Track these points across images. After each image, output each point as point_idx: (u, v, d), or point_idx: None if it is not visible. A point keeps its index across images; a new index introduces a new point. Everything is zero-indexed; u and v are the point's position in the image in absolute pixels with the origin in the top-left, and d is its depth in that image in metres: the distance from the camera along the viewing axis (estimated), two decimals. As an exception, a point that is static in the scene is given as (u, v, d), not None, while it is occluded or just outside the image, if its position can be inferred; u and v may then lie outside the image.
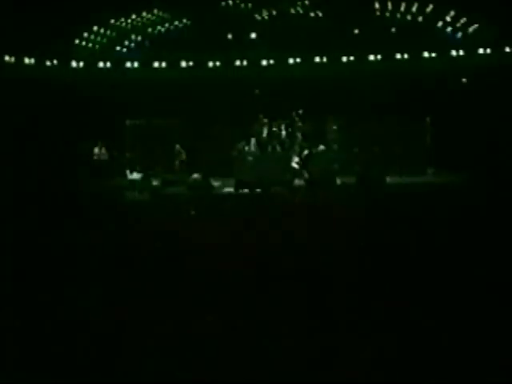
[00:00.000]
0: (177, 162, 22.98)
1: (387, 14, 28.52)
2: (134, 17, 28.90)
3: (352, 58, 25.57)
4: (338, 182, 20.62)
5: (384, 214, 12.97)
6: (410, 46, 25.58)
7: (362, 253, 8.77)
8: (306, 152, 21.73)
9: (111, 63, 26.43)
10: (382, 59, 25.46)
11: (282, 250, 9.15)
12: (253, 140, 22.50)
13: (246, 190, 20.13)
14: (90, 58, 26.44)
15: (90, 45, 27.30)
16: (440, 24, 27.47)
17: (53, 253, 8.91)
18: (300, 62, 25.80)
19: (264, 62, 25.94)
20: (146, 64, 26.43)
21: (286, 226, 11.25)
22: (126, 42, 28.09)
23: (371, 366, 5.35)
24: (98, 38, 27.62)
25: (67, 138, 23.60)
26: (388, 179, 20.24)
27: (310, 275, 7.70)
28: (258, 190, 20.05)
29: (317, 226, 11.18)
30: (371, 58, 25.43)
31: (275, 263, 8.30)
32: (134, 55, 27.07)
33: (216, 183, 20.79)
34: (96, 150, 23.43)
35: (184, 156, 22.77)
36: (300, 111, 23.50)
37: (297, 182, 20.95)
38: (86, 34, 27.33)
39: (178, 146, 22.84)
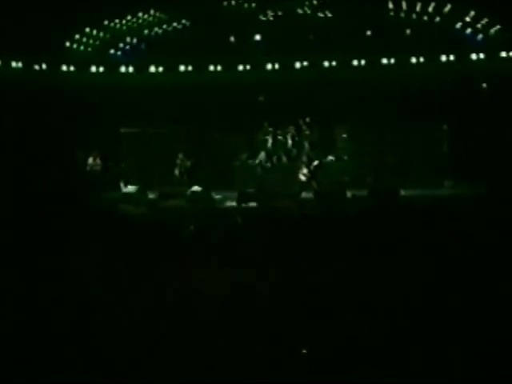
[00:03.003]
0: (178, 173, 22.97)
1: (402, 15, 28.69)
2: (129, 18, 29.11)
3: (363, 62, 25.61)
4: (349, 194, 20.68)
5: (398, 230, 13.01)
6: (426, 48, 25.64)
7: (376, 275, 8.82)
8: (313, 162, 21.80)
9: (104, 67, 26.44)
10: (395, 63, 25.53)
11: (289, 272, 9.22)
12: (257, 150, 22.62)
13: (250, 204, 20.16)
14: (82, 61, 26.44)
15: (82, 48, 27.44)
16: (459, 25, 27.60)
17: (32, 282, 8.94)
18: (307, 66, 25.83)
19: (269, 66, 25.97)
20: (141, 68, 26.44)
21: (293, 243, 11.30)
22: (121, 45, 28.22)
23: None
24: (91, 41, 27.78)
25: (56, 148, 23.61)
26: (402, 192, 20.28)
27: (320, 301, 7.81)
28: (262, 203, 20.07)
29: (326, 244, 11.23)
30: (384, 61, 25.48)
31: (283, 289, 8.39)
32: (129, 59, 27.13)
33: (217, 196, 20.83)
34: (89, 160, 23.47)
35: (189, 165, 22.77)
36: (307, 118, 23.71)
37: (304, 194, 21.03)
38: (77, 36, 27.47)
39: (181, 155, 22.90)
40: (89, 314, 7.26)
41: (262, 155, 22.70)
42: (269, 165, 22.69)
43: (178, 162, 22.89)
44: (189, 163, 22.61)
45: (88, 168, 23.43)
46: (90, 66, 26.34)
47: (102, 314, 7.25)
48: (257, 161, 22.77)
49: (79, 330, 6.57)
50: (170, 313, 7.43)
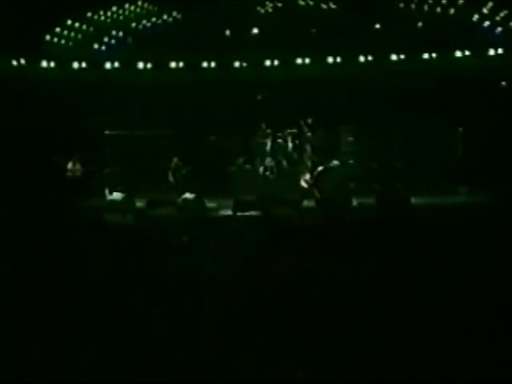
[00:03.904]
0: (173, 178, 23.03)
1: (412, 6, 28.78)
2: (114, 9, 29.21)
3: (370, 58, 25.77)
4: (355, 202, 20.68)
5: (409, 242, 13.04)
6: (439, 43, 25.78)
7: (387, 294, 8.85)
8: (316, 168, 21.84)
9: (88, 64, 26.58)
10: (405, 59, 25.64)
11: (289, 287, 9.24)
12: (254, 154, 22.67)
13: (247, 213, 20.17)
14: (63, 57, 26.57)
15: (63, 42, 27.52)
16: (475, 17, 27.67)
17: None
18: (310, 63, 26.02)
19: (267, 63, 26.17)
20: (128, 65, 26.62)
21: (294, 256, 11.32)
22: (106, 39, 28.32)
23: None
24: (73, 34, 27.85)
25: (35, 151, 23.62)
26: (413, 200, 20.31)
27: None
28: (260, 212, 20.09)
29: (329, 258, 11.24)
30: (393, 57, 25.62)
31: (282, 305, 8.42)
32: (115, 54, 27.29)
33: (211, 204, 20.94)
34: (69, 164, 23.54)
35: (184, 171, 22.85)
36: (309, 120, 23.80)
37: (306, 202, 21.03)
38: (58, 30, 27.54)
39: (175, 160, 22.97)
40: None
41: (255, 156, 22.84)
42: (263, 168, 22.80)
43: (173, 166, 23.00)
44: (184, 170, 22.67)
45: (68, 173, 23.48)
46: (71, 62, 26.45)
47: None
48: (249, 163, 22.85)
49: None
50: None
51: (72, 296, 8.94)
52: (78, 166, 23.57)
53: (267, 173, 22.55)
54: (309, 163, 22.07)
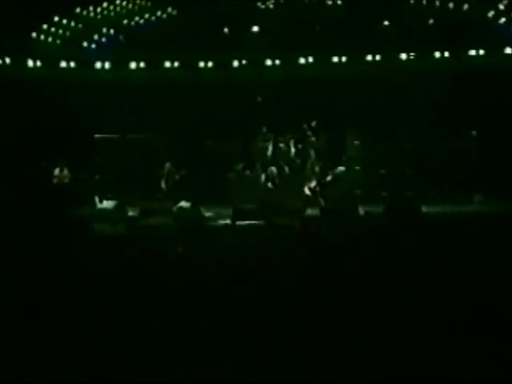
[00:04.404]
0: (165, 185, 22.99)
1: (424, 2, 28.76)
2: (105, 5, 29.17)
3: (378, 57, 25.65)
4: (361, 211, 20.67)
5: (421, 254, 12.99)
6: (451, 41, 25.66)
7: (398, 314, 8.79)
8: (320, 174, 21.81)
9: (76, 63, 26.46)
10: (416, 58, 25.57)
11: (292, 302, 9.19)
12: (254, 159, 22.64)
13: (246, 222, 20.15)
14: (51, 56, 26.48)
15: (51, 39, 27.46)
16: (491, 14, 27.62)
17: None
18: (313, 62, 25.91)
19: (268, 62, 26.04)
20: (120, 64, 26.50)
21: (297, 269, 11.27)
22: (96, 37, 28.25)
23: None
24: (61, 32, 27.80)
25: (20, 155, 23.63)
26: (424, 208, 20.27)
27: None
28: (261, 221, 20.06)
29: (334, 271, 11.20)
30: (403, 56, 25.52)
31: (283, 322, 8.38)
32: (106, 53, 27.19)
33: (208, 213, 20.87)
34: (57, 171, 23.47)
35: (177, 177, 22.82)
36: (313, 123, 23.83)
37: (310, 211, 21.01)
38: (45, 26, 27.50)
39: (168, 165, 22.92)
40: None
41: (255, 161, 22.93)
42: (263, 175, 22.82)
43: (165, 172, 22.92)
44: (177, 176, 22.62)
45: (55, 180, 23.40)
46: (59, 62, 26.33)
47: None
48: (249, 169, 22.89)
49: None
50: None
51: (58, 312, 8.89)
52: (65, 172, 23.49)
53: (268, 183, 22.51)
54: (312, 169, 22.07)
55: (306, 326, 8.29)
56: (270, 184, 22.61)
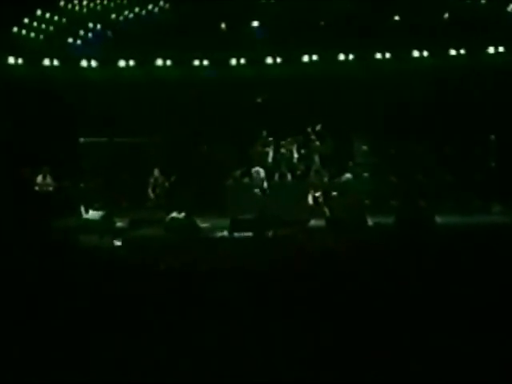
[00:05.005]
0: (153, 194, 22.94)
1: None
2: (92, -3, 29.13)
3: (389, 55, 25.61)
4: (370, 222, 20.60)
5: (436, 270, 12.86)
6: (468, 37, 25.48)
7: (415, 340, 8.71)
8: (325, 182, 21.77)
9: (61, 60, 26.44)
10: (429, 56, 25.49)
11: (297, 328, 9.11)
12: (254, 165, 22.60)
13: (245, 234, 20.09)
14: (33, 52, 26.40)
15: (33, 35, 27.36)
16: (511, 8, 27.52)
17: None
18: (318, 60, 25.86)
19: (269, 60, 26.01)
20: (107, 62, 26.54)
21: (299, 286, 11.18)
22: (81, 32, 28.11)
23: None
24: (44, 26, 27.69)
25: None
26: (439, 219, 20.21)
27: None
28: (261, 233, 19.99)
29: (342, 289, 11.10)
30: (415, 54, 25.45)
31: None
32: (92, 50, 27.07)
33: (204, 224, 20.83)
34: (39, 178, 23.36)
35: (167, 185, 22.76)
36: (317, 126, 23.84)
37: (314, 222, 21.02)
38: (26, 21, 27.42)
39: (156, 172, 22.86)
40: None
41: (255, 168, 22.94)
42: (264, 182, 22.93)
43: (152, 180, 22.86)
44: (167, 183, 22.58)
45: (37, 188, 23.31)
46: (42, 59, 26.31)
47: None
48: (248, 176, 22.88)
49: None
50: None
51: (39, 332, 8.83)
52: (48, 180, 23.40)
53: (249, 189, 22.45)
54: (316, 176, 22.05)
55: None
56: (257, 190, 22.54)
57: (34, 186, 23.31)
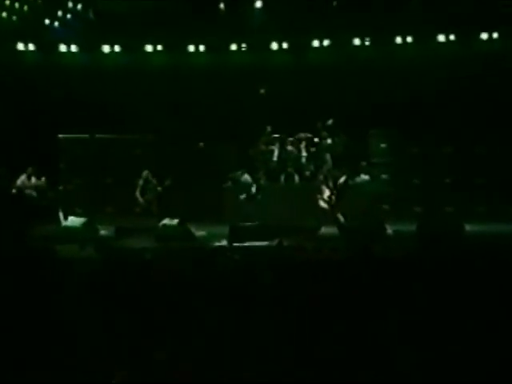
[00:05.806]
0: (143, 199, 22.75)
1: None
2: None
3: (410, 40, 25.67)
4: (389, 230, 20.37)
5: (463, 283, 12.58)
6: (496, 21, 25.32)
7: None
8: (338, 184, 21.53)
9: (37, 45, 26.56)
10: (456, 40, 25.47)
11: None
12: (256, 165, 22.48)
13: (246, 243, 19.87)
14: (5, 36, 26.34)
15: (4, 15, 27.16)
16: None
17: None
18: (329, 46, 25.98)
19: (274, 46, 26.14)
20: (89, 47, 26.67)
21: (309, 301, 10.99)
22: (59, 13, 27.91)
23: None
24: (17, 6, 27.47)
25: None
26: (468, 227, 19.96)
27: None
28: (265, 242, 19.78)
29: (357, 306, 10.89)
30: (440, 38, 25.48)
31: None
32: (72, 34, 26.97)
33: (200, 232, 20.61)
34: (20, 179, 23.53)
35: (159, 188, 22.65)
36: (329, 121, 23.72)
37: (325, 229, 20.83)
38: (-2, 0, 27.35)
39: (146, 173, 22.74)
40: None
41: (257, 168, 23.11)
42: (268, 185, 23.04)
43: (141, 182, 22.77)
44: (159, 187, 22.45)
45: (14, 191, 23.45)
46: (15, 43, 26.38)
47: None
48: (250, 178, 22.84)
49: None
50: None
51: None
52: (33, 182, 23.61)
53: (251, 193, 22.44)
54: (327, 178, 21.86)
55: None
56: (243, 196, 22.38)
57: (12, 189, 23.42)
